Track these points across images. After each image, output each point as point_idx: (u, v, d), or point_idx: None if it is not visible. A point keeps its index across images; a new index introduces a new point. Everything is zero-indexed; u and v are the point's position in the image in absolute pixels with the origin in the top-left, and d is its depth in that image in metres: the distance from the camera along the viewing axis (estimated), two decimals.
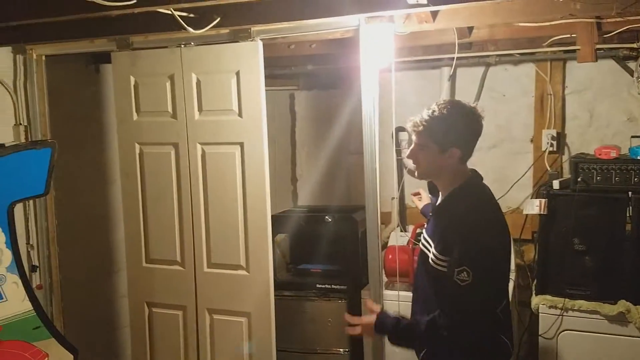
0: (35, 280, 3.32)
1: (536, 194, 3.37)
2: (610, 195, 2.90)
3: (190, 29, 2.34)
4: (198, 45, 2.86)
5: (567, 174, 3.38)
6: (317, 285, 3.39)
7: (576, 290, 2.95)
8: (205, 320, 3.01)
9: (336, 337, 3.27)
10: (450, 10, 2.41)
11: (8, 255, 2.37)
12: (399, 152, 3.77)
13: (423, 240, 2.19)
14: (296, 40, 2.98)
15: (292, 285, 3.44)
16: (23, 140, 3.20)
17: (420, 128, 2.06)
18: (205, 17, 2.45)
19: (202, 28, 2.42)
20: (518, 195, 3.62)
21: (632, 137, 3.14)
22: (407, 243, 3.26)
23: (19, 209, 2.84)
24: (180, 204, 2.99)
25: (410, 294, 2.32)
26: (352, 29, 2.58)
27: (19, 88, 3.24)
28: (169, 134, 2.98)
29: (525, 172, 3.60)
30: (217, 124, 2.88)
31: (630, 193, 2.85)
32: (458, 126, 2.07)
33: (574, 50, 3.23)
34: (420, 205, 2.67)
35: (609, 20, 2.76)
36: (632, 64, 3.29)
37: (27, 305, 2.42)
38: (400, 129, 3.74)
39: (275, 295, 3.33)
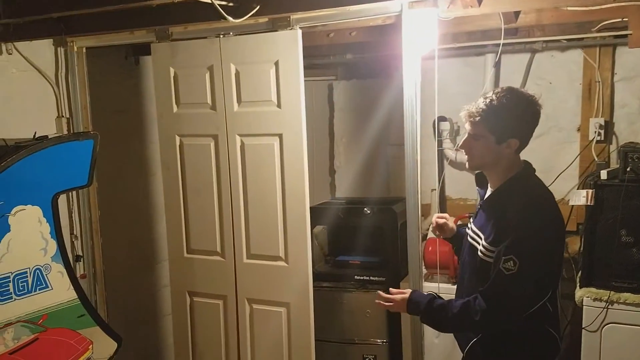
0: (79, 270, 3.40)
1: (583, 185, 3.26)
2: None
3: (230, 18, 2.32)
4: (237, 35, 2.85)
5: (614, 164, 3.26)
6: (356, 277, 3.37)
7: (622, 282, 2.86)
8: (245, 309, 3.01)
9: (374, 328, 3.25)
10: None
11: (53, 245, 2.40)
12: (439, 143, 3.70)
13: (471, 233, 2.12)
14: (336, 28, 2.93)
15: (331, 276, 3.43)
16: (65, 133, 3.26)
17: (478, 118, 1.98)
18: (244, 5, 2.43)
19: (241, 17, 2.39)
20: (564, 186, 3.51)
21: None
22: None
23: (62, 200, 2.88)
24: (220, 195, 2.99)
25: (450, 286, 2.28)
26: (394, 14, 2.52)
27: (61, 80, 3.30)
28: (208, 126, 2.98)
29: (572, 162, 3.48)
30: (256, 115, 2.87)
31: None
32: (517, 116, 2.00)
33: (624, 35, 3.10)
34: (449, 231, 2.43)
35: None
36: None
37: (72, 294, 2.45)
38: (441, 119, 3.67)
39: (314, 287, 3.33)
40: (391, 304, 2.17)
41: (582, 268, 2.97)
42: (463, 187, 3.81)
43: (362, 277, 3.35)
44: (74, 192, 3.11)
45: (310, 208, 3.53)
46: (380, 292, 2.23)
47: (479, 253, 2.02)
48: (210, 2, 2.19)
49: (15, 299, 2.29)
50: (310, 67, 4.03)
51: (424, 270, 3.10)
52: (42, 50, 3.22)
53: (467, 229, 2.20)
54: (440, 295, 2.15)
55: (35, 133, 2.53)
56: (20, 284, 2.31)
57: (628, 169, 2.79)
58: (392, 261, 3.28)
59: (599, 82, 3.38)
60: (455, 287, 2.29)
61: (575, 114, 3.53)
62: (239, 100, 2.90)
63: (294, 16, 2.66)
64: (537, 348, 2.04)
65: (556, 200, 3.55)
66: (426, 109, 3.50)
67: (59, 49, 3.26)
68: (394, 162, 3.95)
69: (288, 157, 2.82)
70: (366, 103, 4.03)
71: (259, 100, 2.85)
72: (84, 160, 2.41)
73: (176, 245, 3.14)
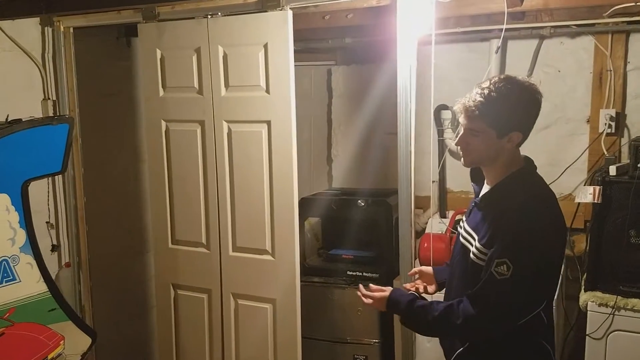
0: (64, 258, 3.29)
1: (590, 180, 3.09)
2: None
3: None
4: (225, 15, 2.70)
5: (625, 159, 3.08)
6: (348, 272, 3.23)
7: (630, 287, 2.67)
8: (230, 304, 2.89)
9: (366, 328, 3.11)
10: None
11: (22, 235, 2.28)
12: (440, 132, 3.53)
13: (464, 233, 1.95)
14: (330, 9, 2.76)
15: (322, 271, 3.30)
16: (51, 115, 3.13)
17: (476, 112, 1.79)
18: None
19: None
20: (571, 181, 3.34)
21: None
22: (445, 231, 3.04)
23: (38, 187, 2.76)
24: (206, 184, 2.87)
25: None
26: None
27: (48, 61, 3.18)
28: (194, 111, 2.84)
29: (580, 156, 3.30)
30: (244, 101, 2.72)
31: None
32: (518, 107, 1.82)
33: (638, 22, 2.91)
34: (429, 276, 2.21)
35: None
36: None
37: (42, 287, 2.33)
38: (442, 107, 3.50)
39: (303, 282, 3.19)
40: (370, 300, 2.02)
41: (587, 270, 2.80)
42: (465, 179, 3.57)
43: (354, 273, 3.21)
44: (50, 179, 2.98)
45: (303, 199, 3.44)
46: (361, 286, 2.07)
47: (471, 255, 1.86)
48: None
49: None
50: (309, 51, 3.87)
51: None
52: (28, 29, 3.09)
53: (459, 228, 2.04)
54: (429, 296, 2.00)
55: (7, 116, 2.40)
56: None
57: (639, 165, 2.60)
58: (387, 256, 3.13)
59: (610, 70, 3.18)
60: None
61: (585, 105, 3.33)
62: (226, 85, 2.76)
63: None
64: None
65: (563, 196, 3.45)
66: (426, 96, 3.34)
67: (46, 28, 3.14)
68: (394, 152, 3.76)
69: (276, 145, 2.68)
70: (365, 89, 3.85)
71: (247, 85, 2.70)
72: (58, 146, 2.28)
73: (161, 235, 3.03)
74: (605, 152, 3.13)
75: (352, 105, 4.03)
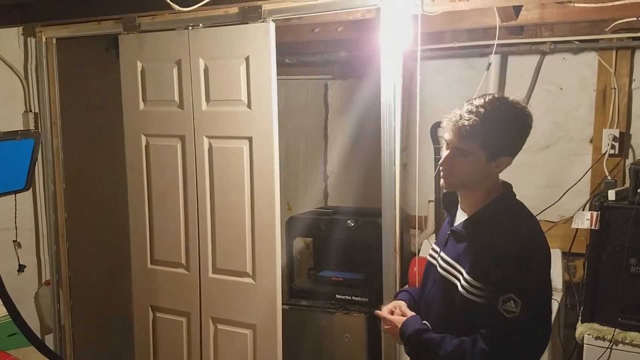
0: (44, 276, 3.18)
1: (589, 205, 2.92)
2: None
3: (176, 7, 2.04)
4: (206, 27, 2.59)
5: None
6: (337, 296, 3.08)
7: (629, 319, 2.51)
8: (209, 329, 2.76)
9: (353, 355, 2.95)
10: None
11: None
12: (437, 150, 3.39)
13: (444, 264, 1.78)
14: (314, 21, 2.65)
15: (310, 294, 3.15)
16: (32, 128, 3.04)
17: (470, 132, 1.64)
18: None
19: (193, 5, 2.12)
20: (573, 203, 3.18)
21: None
22: None
23: (4, 204, 2.66)
24: (186, 202, 2.75)
25: None
26: (374, 8, 2.24)
27: (31, 73, 3.09)
28: (175, 126, 2.73)
29: (582, 177, 3.14)
30: (225, 116, 2.61)
31: None
32: (512, 130, 1.68)
33: None
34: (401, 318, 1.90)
35: None
36: None
37: (1, 311, 2.20)
38: (439, 125, 3.36)
39: (290, 305, 3.08)
40: (388, 327, 1.87)
41: (584, 301, 2.63)
42: None
43: (343, 297, 3.06)
44: (31, 194, 2.88)
45: (291, 218, 3.32)
46: (378, 312, 1.94)
47: (461, 289, 1.70)
48: None
49: None
50: (306, 65, 3.76)
51: None
52: (10, 40, 3.02)
53: (431, 258, 1.88)
54: None
55: None
56: None
57: (639, 190, 2.44)
58: (377, 280, 2.97)
59: (614, 88, 3.03)
60: None
61: (588, 124, 3.18)
62: (207, 99, 2.65)
63: (266, 7, 2.40)
64: None
65: (564, 219, 3.29)
66: (424, 113, 3.20)
67: (29, 39, 3.06)
68: None
69: (258, 162, 2.56)
70: (362, 104, 3.72)
71: (228, 100, 2.60)
72: (22, 162, 2.16)
73: (140, 254, 2.91)
74: (608, 174, 2.97)
75: (348, 121, 3.90)
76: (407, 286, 2.74)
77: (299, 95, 3.98)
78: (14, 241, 2.90)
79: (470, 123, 1.64)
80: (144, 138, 2.83)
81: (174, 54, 2.67)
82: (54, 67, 3.03)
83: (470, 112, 1.66)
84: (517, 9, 2.44)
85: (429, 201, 3.49)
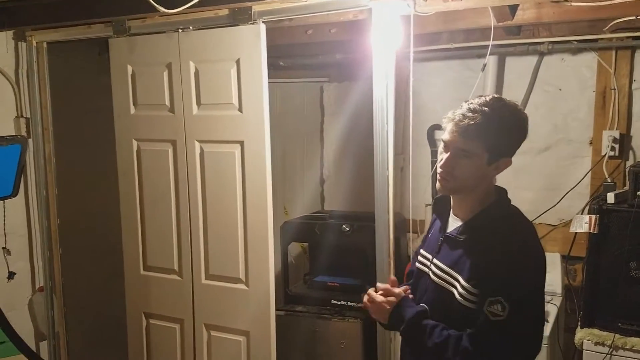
0: (37, 282, 3.14)
1: (588, 208, 2.87)
2: None
3: (162, 9, 2.00)
4: (197, 29, 2.55)
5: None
6: (333, 301, 3.04)
7: (629, 325, 2.46)
8: (202, 336, 2.71)
9: None
10: None
11: None
12: (434, 153, 3.34)
13: (438, 272, 1.73)
14: (306, 22, 2.60)
15: (305, 299, 3.10)
16: (24, 134, 3.00)
17: (475, 131, 1.59)
18: None
19: (180, 7, 2.08)
20: (572, 206, 3.13)
21: None
22: None
23: None
24: (178, 207, 2.70)
25: None
26: (365, 9, 2.20)
27: (22, 78, 3.05)
28: (166, 130, 2.69)
29: (581, 180, 3.09)
30: (216, 120, 2.57)
31: None
32: (513, 131, 1.65)
33: None
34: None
35: None
36: None
37: None
38: (436, 127, 3.32)
39: (285, 311, 3.03)
40: (377, 303, 1.79)
41: (583, 306, 2.57)
42: None
43: (339, 302, 3.02)
44: (23, 199, 2.84)
45: (285, 223, 3.27)
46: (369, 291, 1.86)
47: (458, 297, 1.65)
48: None
49: None
50: (301, 68, 3.72)
51: None
52: (0, 44, 2.97)
53: (421, 265, 1.83)
54: None
55: None
56: None
57: (639, 193, 2.38)
58: (373, 285, 2.92)
59: (614, 89, 2.98)
60: None
61: (587, 125, 3.14)
62: (198, 103, 2.61)
63: (256, 8, 2.36)
64: None
65: (563, 222, 3.24)
66: (421, 115, 3.15)
67: (20, 43, 3.02)
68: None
69: (250, 166, 2.52)
70: (358, 107, 3.67)
71: (219, 103, 2.55)
72: (8, 168, 2.12)
73: (132, 261, 2.87)
74: (608, 177, 2.92)
75: (345, 124, 3.85)
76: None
77: (294, 99, 3.94)
78: (2, 248, 2.85)
79: (475, 122, 1.59)
80: (135, 143, 2.79)
81: (164, 57, 2.63)
82: (44, 71, 3.00)
83: (473, 111, 1.61)
84: (513, 9, 2.39)
85: (427, 205, 3.43)
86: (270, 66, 2.49)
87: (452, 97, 3.24)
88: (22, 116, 3.06)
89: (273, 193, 2.51)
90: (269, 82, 2.44)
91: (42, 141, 3.01)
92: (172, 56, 2.61)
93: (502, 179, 3.32)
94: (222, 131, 2.56)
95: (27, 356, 2.23)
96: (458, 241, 1.71)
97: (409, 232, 3.40)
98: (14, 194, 2.18)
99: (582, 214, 2.87)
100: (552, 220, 3.16)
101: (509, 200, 1.74)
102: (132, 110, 2.77)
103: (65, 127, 3.13)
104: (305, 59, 3.57)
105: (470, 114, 1.61)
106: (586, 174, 3.07)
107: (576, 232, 2.82)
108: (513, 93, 3.26)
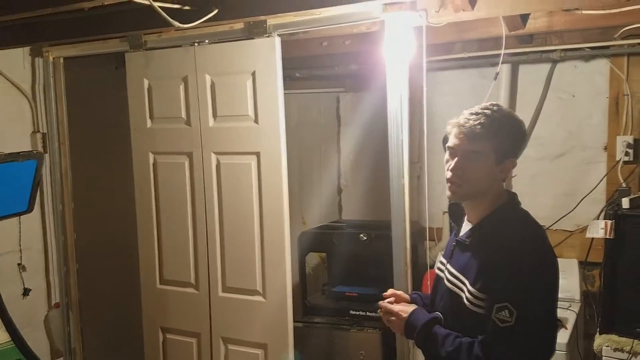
0: (54, 298, 3.15)
1: (604, 214, 2.86)
2: None
3: (177, 23, 2.02)
4: (212, 43, 2.58)
5: None
6: (351, 312, 3.03)
7: None
8: (219, 349, 2.71)
9: None
10: None
11: None
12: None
13: (450, 277, 1.74)
14: (321, 35, 2.63)
15: (323, 310, 3.10)
16: (40, 149, 3.03)
17: (481, 131, 1.61)
18: (202, 9, 2.15)
19: (196, 21, 2.10)
20: (589, 211, 3.11)
21: None
22: None
23: (7, 227, 2.63)
24: (195, 220, 2.72)
25: None
26: (378, 20, 2.22)
27: (39, 93, 3.09)
28: (182, 143, 2.72)
29: (597, 185, 3.08)
30: (232, 131, 2.59)
31: None
32: (515, 131, 1.68)
33: None
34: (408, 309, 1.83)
35: None
36: None
37: (4, 337, 2.16)
38: None
39: (303, 322, 3.03)
40: (393, 318, 1.81)
41: (602, 312, 2.56)
42: None
43: (357, 312, 3.01)
44: (39, 214, 2.86)
45: (302, 233, 3.28)
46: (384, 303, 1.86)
47: (466, 302, 1.65)
48: (149, 3, 1.89)
49: None
50: (317, 79, 3.74)
51: None
52: (18, 61, 3.02)
53: (439, 271, 1.83)
54: None
55: None
56: None
57: None
58: None
59: (627, 95, 2.98)
60: None
61: (602, 131, 3.14)
62: (214, 115, 2.64)
63: (271, 22, 2.39)
64: None
65: (580, 227, 3.23)
66: (436, 124, 3.15)
67: (36, 59, 3.06)
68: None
69: (266, 177, 2.53)
70: (373, 116, 3.68)
71: (235, 115, 2.58)
72: (24, 184, 2.13)
73: (149, 274, 2.88)
74: (623, 182, 2.91)
75: (361, 133, 3.87)
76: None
77: (311, 109, 3.97)
78: (18, 264, 2.86)
79: (480, 122, 1.62)
80: (151, 156, 2.82)
81: (181, 71, 2.66)
82: (61, 86, 3.03)
83: (476, 113, 1.65)
84: (525, 18, 2.40)
85: (444, 212, 3.43)
86: (287, 77, 2.51)
87: (466, 106, 3.16)
88: (38, 131, 3.09)
89: (290, 203, 2.52)
90: (285, 93, 2.46)
91: (58, 156, 3.03)
92: (188, 69, 2.64)
93: (519, 186, 3.33)
94: (238, 143, 2.58)
95: None
96: (465, 245, 1.72)
97: (426, 240, 3.39)
98: (30, 209, 2.19)
99: (598, 219, 2.85)
100: (569, 226, 3.16)
101: (519, 203, 1.74)
102: (149, 123, 2.80)
103: (82, 141, 3.16)
104: (321, 69, 3.59)
105: (473, 117, 1.65)
106: (601, 180, 3.06)
107: (593, 238, 2.81)
108: (527, 100, 3.26)
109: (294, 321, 2.58)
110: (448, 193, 1.72)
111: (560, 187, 3.21)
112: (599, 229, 2.44)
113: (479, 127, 1.62)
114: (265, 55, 2.45)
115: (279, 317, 2.54)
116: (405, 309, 1.79)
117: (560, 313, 2.43)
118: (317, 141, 3.99)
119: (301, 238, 3.23)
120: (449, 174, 1.70)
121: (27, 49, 3.02)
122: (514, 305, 1.54)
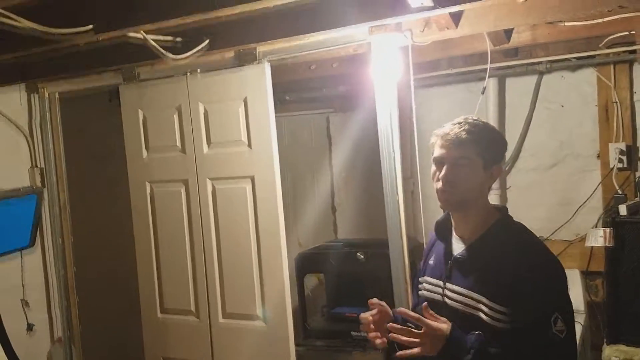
0: (56, 333, 3.14)
1: (602, 222, 2.87)
2: None
3: (170, 55, 2.07)
4: (204, 72, 2.62)
5: None
6: (352, 333, 3.00)
7: None
8: None
9: None
10: (473, 12, 2.04)
11: None
12: None
13: (458, 297, 1.67)
14: (310, 59, 2.68)
15: (324, 333, 3.08)
16: (39, 184, 3.06)
17: (466, 137, 1.61)
18: (193, 40, 2.19)
19: (188, 52, 2.15)
20: (587, 220, 3.12)
21: None
22: None
23: (10, 263, 2.64)
24: (193, 247, 2.74)
25: None
26: (364, 43, 2.26)
27: (35, 128, 3.12)
28: (178, 170, 2.75)
29: (592, 193, 3.10)
30: (227, 157, 2.62)
31: None
32: (495, 136, 1.70)
33: None
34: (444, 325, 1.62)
35: None
36: None
37: None
38: None
39: (304, 346, 3.01)
40: (417, 340, 1.57)
41: (608, 322, 2.54)
42: None
43: (359, 334, 2.98)
44: (39, 247, 2.87)
45: (300, 254, 3.28)
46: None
47: (485, 318, 1.60)
48: (142, 37, 1.93)
49: None
50: (307, 101, 3.79)
51: None
52: (15, 97, 3.06)
53: (431, 293, 1.77)
54: None
55: None
56: None
57: None
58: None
59: (616, 102, 3.01)
60: None
61: (593, 139, 3.16)
62: (208, 142, 2.67)
63: (261, 49, 2.43)
64: None
65: (579, 237, 3.24)
66: (426, 139, 3.18)
67: (32, 95, 3.10)
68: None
69: (261, 201, 2.56)
70: (363, 135, 3.72)
71: (229, 141, 2.61)
72: (25, 219, 2.15)
73: (149, 304, 2.88)
74: (618, 189, 2.93)
75: (351, 152, 3.90)
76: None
77: (302, 131, 4.01)
78: (21, 300, 2.87)
79: (465, 129, 1.63)
80: (148, 185, 2.84)
81: (174, 100, 2.71)
82: (57, 121, 3.07)
83: (459, 123, 1.66)
84: (508, 32, 2.45)
85: None
86: (277, 101, 2.55)
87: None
88: (36, 166, 3.12)
89: (285, 225, 2.53)
90: (276, 116, 2.50)
91: (56, 190, 3.04)
92: (181, 99, 2.68)
93: (514, 197, 3.33)
94: (232, 168, 2.61)
95: None
96: (469, 263, 1.68)
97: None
98: (31, 244, 2.21)
99: (596, 227, 2.87)
100: (568, 236, 3.16)
101: (512, 217, 1.75)
102: (145, 153, 2.83)
103: (79, 174, 3.19)
104: (311, 92, 3.64)
105: (457, 125, 1.65)
106: (596, 188, 3.07)
107: (592, 247, 2.82)
108: (516, 113, 3.30)
109: (295, 345, 2.57)
110: (440, 203, 1.72)
111: (555, 197, 3.22)
112: (599, 237, 2.45)
113: (464, 133, 1.63)
114: (256, 82, 2.49)
115: (281, 342, 2.53)
116: (441, 326, 1.60)
117: None
118: (309, 162, 4.03)
119: (298, 259, 3.23)
120: (439, 184, 1.68)
121: (23, 86, 3.06)
122: (561, 312, 1.54)
